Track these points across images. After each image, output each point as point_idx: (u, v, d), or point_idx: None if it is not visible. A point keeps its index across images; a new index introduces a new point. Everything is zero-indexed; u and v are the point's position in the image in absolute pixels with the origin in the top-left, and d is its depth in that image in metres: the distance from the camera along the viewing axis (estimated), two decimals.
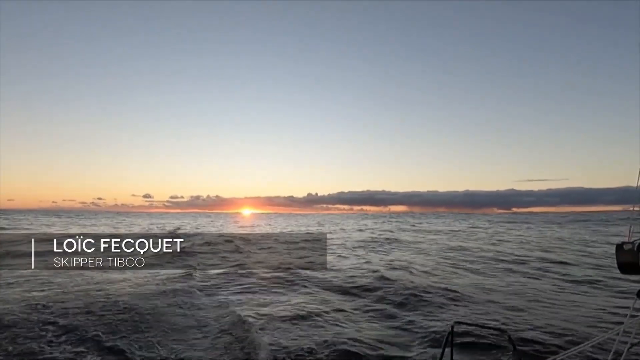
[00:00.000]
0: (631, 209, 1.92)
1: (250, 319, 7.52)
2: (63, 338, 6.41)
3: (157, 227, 42.64)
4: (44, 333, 6.56)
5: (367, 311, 8.52)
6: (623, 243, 1.66)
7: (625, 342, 1.77)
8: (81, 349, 6.01)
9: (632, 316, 1.74)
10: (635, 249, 1.59)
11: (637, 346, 2.00)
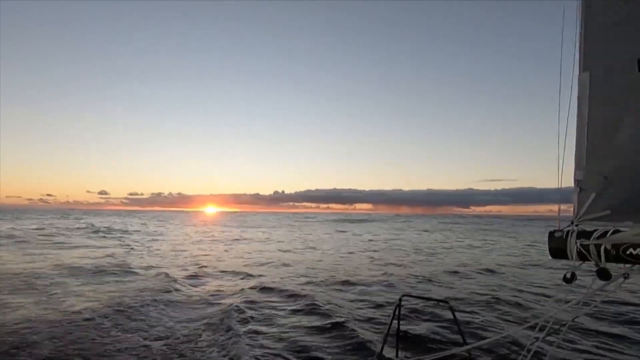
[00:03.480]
0: (558, 206, 2.10)
1: None
2: None
3: None
4: None
5: None
6: (554, 231, 1.86)
7: (547, 322, 1.96)
8: None
9: (558, 300, 1.92)
10: (564, 236, 1.79)
11: (561, 328, 2.24)
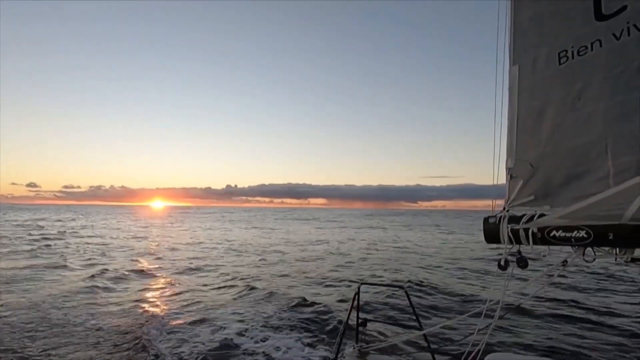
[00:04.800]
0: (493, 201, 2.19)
1: None
2: None
3: None
4: None
5: None
6: (489, 217, 1.95)
7: (495, 309, 2.05)
8: None
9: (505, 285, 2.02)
10: (497, 221, 1.88)
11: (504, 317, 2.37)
